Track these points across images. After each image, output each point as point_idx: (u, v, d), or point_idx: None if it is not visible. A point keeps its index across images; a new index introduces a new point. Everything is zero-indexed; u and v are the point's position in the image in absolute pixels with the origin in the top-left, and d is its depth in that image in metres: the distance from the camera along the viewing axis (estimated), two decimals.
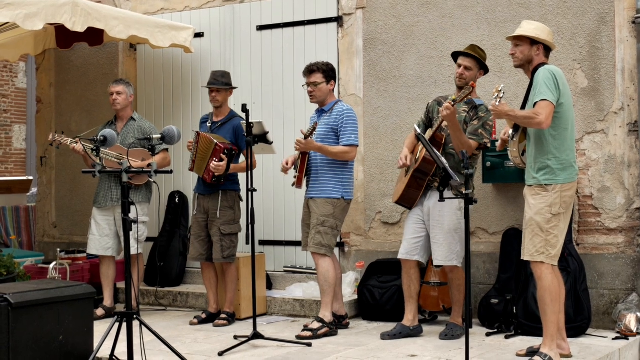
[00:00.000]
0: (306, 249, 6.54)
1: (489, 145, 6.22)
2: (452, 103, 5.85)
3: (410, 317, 6.29)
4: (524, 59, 5.44)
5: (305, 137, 6.28)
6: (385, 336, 6.21)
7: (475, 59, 6.18)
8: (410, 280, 6.30)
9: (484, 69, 6.28)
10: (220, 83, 7.01)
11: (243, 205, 6.89)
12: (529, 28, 5.45)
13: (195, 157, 6.90)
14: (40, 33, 8.50)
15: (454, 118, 5.91)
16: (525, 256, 5.37)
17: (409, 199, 6.25)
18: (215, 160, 6.69)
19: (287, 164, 6.58)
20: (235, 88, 7.21)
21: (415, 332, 6.25)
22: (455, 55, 6.30)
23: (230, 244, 6.93)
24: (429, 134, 6.18)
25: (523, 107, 5.46)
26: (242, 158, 6.91)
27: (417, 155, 6.17)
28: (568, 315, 5.80)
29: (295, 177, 6.54)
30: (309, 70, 6.53)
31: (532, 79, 5.38)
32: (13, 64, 15.25)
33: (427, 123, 6.41)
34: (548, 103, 5.19)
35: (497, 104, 5.25)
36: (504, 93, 5.31)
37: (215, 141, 6.71)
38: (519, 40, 5.44)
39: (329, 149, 6.39)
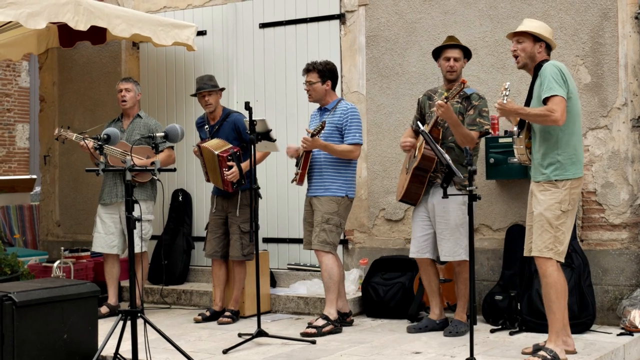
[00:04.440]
0: (309, 247, 6.55)
1: (490, 131, 6.22)
2: (445, 100, 5.84)
3: (436, 312, 6.34)
4: (527, 57, 5.39)
5: (312, 136, 6.29)
6: (412, 329, 6.27)
7: (461, 48, 6.21)
8: (428, 276, 6.33)
9: (467, 57, 6.30)
10: (209, 86, 6.99)
11: (261, 202, 6.88)
12: (532, 25, 5.43)
13: (206, 168, 6.92)
14: (43, 32, 8.51)
15: (451, 114, 5.90)
16: (533, 251, 5.33)
17: (412, 195, 6.25)
18: (225, 171, 6.70)
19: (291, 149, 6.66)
20: (222, 89, 7.18)
21: (441, 326, 6.28)
22: (437, 53, 6.30)
23: (249, 242, 6.93)
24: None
25: (527, 103, 5.44)
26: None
27: (416, 153, 6.17)
28: (572, 312, 5.79)
29: (296, 174, 6.55)
30: (306, 69, 6.57)
31: (535, 75, 5.36)
32: (16, 63, 15.27)
33: (421, 119, 6.42)
34: (561, 98, 5.15)
35: (505, 102, 5.23)
36: (509, 91, 5.29)
37: (217, 152, 6.70)
38: (521, 36, 5.40)
39: (334, 147, 6.40)
